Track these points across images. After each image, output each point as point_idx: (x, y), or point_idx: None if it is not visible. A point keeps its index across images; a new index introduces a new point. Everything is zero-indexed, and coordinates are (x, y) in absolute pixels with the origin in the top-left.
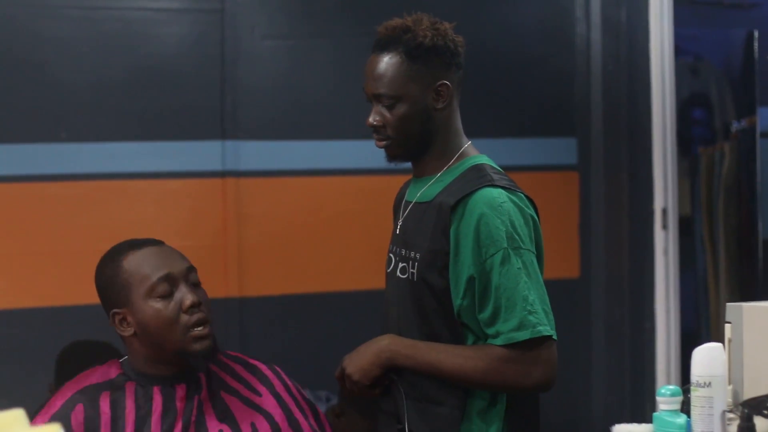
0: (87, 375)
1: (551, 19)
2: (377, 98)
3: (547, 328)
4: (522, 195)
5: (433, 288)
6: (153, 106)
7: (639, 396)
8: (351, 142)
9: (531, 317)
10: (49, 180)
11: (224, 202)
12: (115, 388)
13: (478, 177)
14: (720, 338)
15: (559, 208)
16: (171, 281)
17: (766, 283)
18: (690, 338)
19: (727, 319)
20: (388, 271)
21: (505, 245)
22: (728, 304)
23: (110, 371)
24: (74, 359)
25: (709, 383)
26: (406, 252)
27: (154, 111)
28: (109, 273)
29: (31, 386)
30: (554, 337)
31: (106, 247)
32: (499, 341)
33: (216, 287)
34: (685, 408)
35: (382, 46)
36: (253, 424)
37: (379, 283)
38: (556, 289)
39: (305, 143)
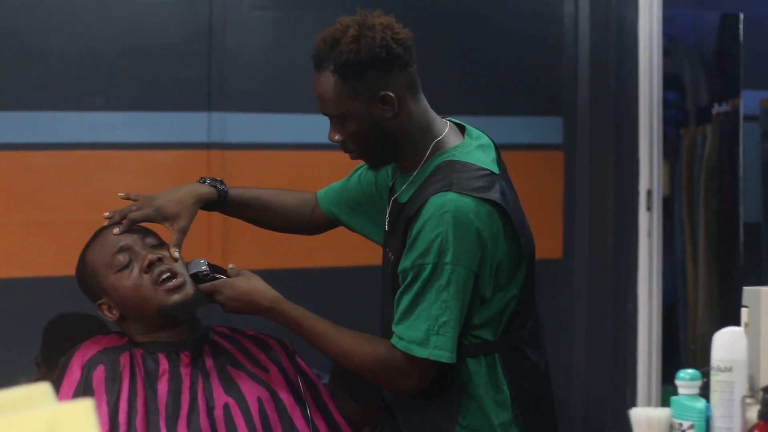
0: (97, 340)
1: None
2: (327, 116)
3: (445, 354)
4: (475, 202)
5: None
6: (139, 76)
7: (620, 378)
8: None
9: (435, 338)
10: (33, 149)
11: (209, 175)
12: (126, 351)
13: (439, 180)
14: (696, 321)
15: (543, 188)
16: (126, 251)
17: (747, 266)
18: (667, 320)
19: (744, 303)
20: (382, 262)
21: (435, 260)
22: (745, 288)
23: (117, 339)
24: (61, 330)
25: (730, 368)
26: (387, 250)
27: (140, 81)
28: (80, 272)
29: (16, 358)
30: (451, 361)
31: (90, 217)
32: (398, 345)
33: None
34: (703, 392)
35: (317, 64)
36: (259, 399)
37: (364, 259)
38: (538, 269)
39: (292, 116)
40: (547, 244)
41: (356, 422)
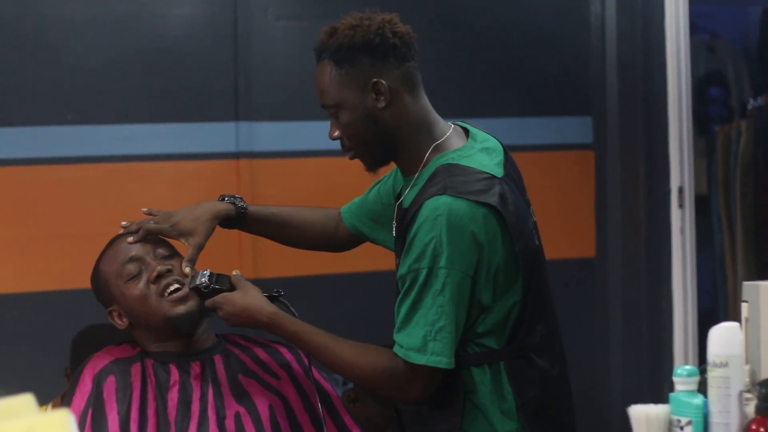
0: (109, 350)
1: None
2: (326, 110)
3: (443, 359)
4: (469, 205)
5: None
6: (166, 87)
7: (656, 376)
8: None
9: (432, 344)
10: (63, 162)
11: (238, 184)
12: (138, 362)
13: (435, 183)
14: (737, 318)
15: (574, 188)
16: (137, 261)
17: None
18: (707, 318)
19: (744, 298)
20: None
21: (429, 264)
22: (745, 283)
23: (128, 350)
24: (90, 343)
25: (726, 363)
26: (396, 257)
27: (167, 92)
28: (94, 279)
29: (45, 369)
30: (449, 366)
31: (120, 230)
32: (398, 353)
33: (230, 268)
34: (702, 388)
35: (318, 55)
36: (270, 407)
37: (392, 264)
38: (572, 269)
39: (319, 124)
40: (580, 244)
41: (380, 425)
